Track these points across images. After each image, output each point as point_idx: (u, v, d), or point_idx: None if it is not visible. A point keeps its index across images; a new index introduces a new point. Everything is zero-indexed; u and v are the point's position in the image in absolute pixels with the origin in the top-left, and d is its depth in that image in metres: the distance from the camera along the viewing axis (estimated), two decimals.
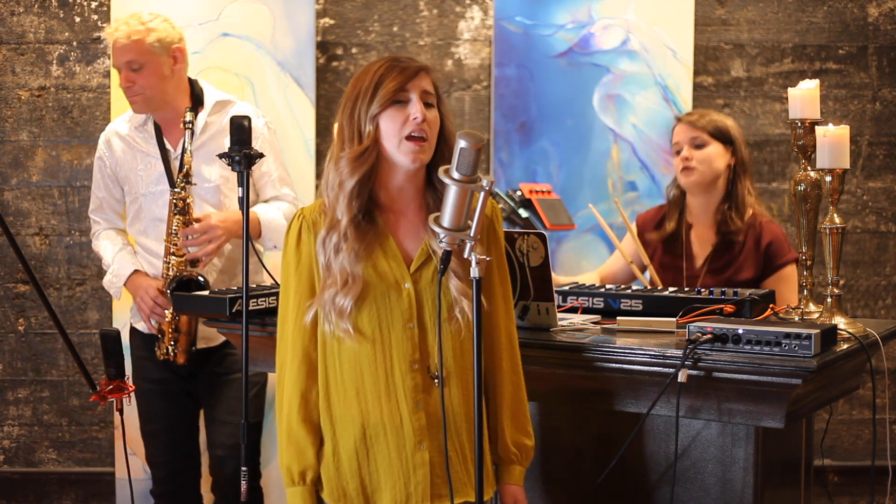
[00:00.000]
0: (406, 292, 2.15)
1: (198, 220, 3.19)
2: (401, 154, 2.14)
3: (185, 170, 3.18)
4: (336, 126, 2.26)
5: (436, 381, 2.14)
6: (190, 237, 3.17)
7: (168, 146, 3.32)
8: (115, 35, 3.25)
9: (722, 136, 3.29)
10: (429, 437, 2.15)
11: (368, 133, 2.14)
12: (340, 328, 2.13)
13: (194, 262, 3.22)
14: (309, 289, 2.19)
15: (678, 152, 3.33)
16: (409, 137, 2.12)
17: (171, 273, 3.21)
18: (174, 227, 3.21)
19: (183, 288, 3.15)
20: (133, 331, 3.44)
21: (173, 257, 3.21)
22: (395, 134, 2.13)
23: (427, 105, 2.16)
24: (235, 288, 2.95)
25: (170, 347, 3.24)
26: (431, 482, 2.15)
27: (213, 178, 3.31)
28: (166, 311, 3.22)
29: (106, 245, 3.43)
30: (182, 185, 3.18)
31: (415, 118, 2.12)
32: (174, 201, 3.20)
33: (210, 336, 3.34)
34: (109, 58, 4.27)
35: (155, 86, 3.26)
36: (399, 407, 2.14)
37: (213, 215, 3.23)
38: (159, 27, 3.29)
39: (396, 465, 2.15)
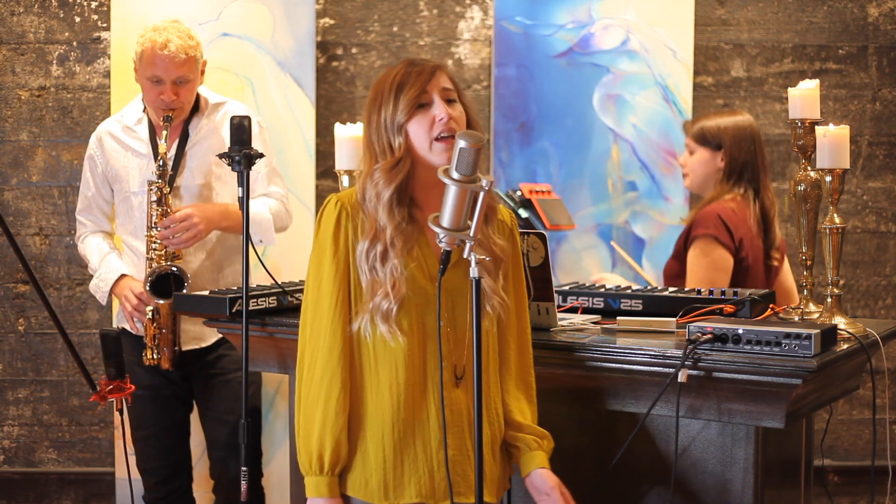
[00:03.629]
0: (434, 291, 2.15)
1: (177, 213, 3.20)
2: (434, 155, 2.14)
3: (167, 168, 3.20)
4: (363, 138, 2.25)
5: (459, 379, 2.16)
6: (170, 227, 3.17)
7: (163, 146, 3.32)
8: (168, 50, 3.17)
9: (708, 142, 3.29)
10: (451, 434, 2.15)
11: (399, 144, 2.15)
12: (383, 329, 2.13)
13: (175, 256, 3.22)
14: (345, 278, 2.17)
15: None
16: (439, 139, 2.14)
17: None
18: (153, 220, 3.21)
19: (161, 282, 3.17)
20: (124, 333, 3.42)
21: (154, 252, 3.21)
22: (425, 138, 2.14)
23: (450, 101, 2.18)
24: (235, 288, 2.95)
25: (153, 350, 3.23)
26: (452, 480, 2.15)
27: (202, 179, 3.32)
28: (147, 309, 3.22)
29: (92, 249, 3.42)
30: (159, 172, 3.19)
31: (441, 119, 2.14)
32: (153, 191, 3.21)
33: (200, 336, 3.34)
34: (109, 58, 4.27)
35: (191, 98, 3.30)
36: (427, 404, 2.16)
37: (192, 206, 3.24)
38: (199, 41, 3.30)
39: (422, 462, 2.16)
